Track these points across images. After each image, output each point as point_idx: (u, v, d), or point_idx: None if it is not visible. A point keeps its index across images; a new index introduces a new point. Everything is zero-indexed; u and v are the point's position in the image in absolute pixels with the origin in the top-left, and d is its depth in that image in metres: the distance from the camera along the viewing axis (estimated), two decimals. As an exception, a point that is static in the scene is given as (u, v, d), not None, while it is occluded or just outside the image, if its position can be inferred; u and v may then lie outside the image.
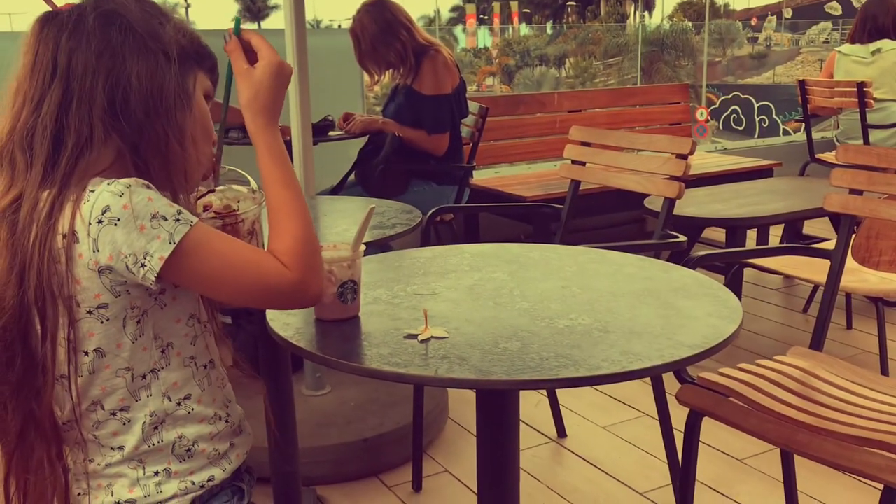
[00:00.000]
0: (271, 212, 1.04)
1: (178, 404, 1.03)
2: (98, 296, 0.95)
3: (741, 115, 13.80)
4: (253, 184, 1.11)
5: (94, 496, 1.03)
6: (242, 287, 0.98)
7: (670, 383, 1.95)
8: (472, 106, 3.65)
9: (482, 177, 4.43)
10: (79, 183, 0.96)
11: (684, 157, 2.24)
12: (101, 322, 0.96)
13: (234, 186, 1.14)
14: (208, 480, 1.06)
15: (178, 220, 0.95)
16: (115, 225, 0.92)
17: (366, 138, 3.54)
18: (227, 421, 1.08)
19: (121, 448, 1.02)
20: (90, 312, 0.96)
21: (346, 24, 3.97)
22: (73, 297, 0.95)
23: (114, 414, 1.00)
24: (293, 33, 2.66)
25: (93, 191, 0.94)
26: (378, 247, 1.82)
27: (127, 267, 0.93)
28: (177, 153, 1.02)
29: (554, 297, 1.25)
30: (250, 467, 1.16)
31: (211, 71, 1.09)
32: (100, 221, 0.92)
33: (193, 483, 1.05)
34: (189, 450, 1.04)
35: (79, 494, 1.04)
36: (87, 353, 0.97)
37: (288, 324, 1.18)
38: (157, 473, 1.03)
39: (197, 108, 1.06)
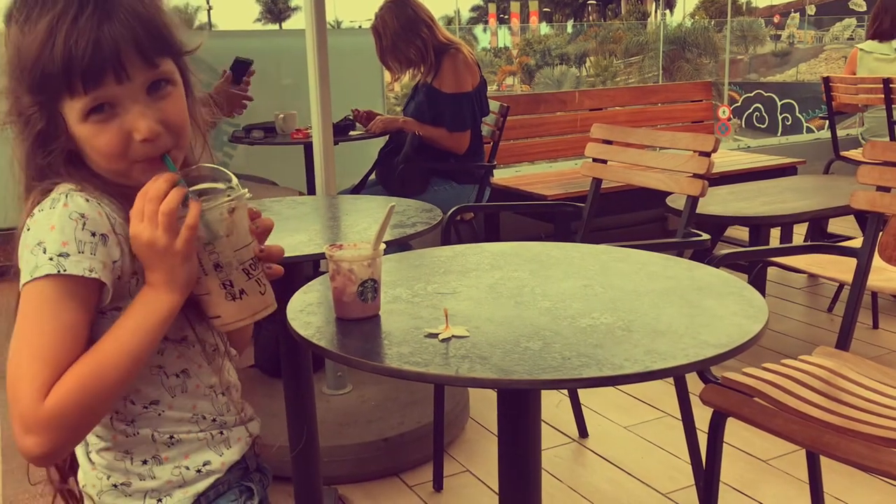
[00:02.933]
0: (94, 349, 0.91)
1: (145, 408, 1.00)
2: None
3: (764, 113, 13.69)
4: (234, 180, 0.99)
5: (91, 484, 1.03)
6: (10, 372, 0.88)
7: (693, 383, 1.93)
8: (493, 105, 3.64)
9: (503, 176, 4.42)
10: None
11: (707, 154, 2.22)
12: None
13: (214, 185, 1.00)
14: (204, 464, 1.03)
15: (51, 259, 0.89)
16: (27, 231, 0.93)
17: (386, 137, 3.55)
18: (213, 421, 1.05)
19: (99, 437, 1.01)
20: None
21: (367, 25, 3.98)
22: None
23: None
24: (314, 34, 2.66)
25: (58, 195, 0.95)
26: (398, 245, 1.82)
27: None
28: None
29: (576, 295, 1.23)
30: (264, 467, 1.14)
31: (85, 78, 0.92)
32: (28, 228, 0.93)
33: (188, 468, 1.02)
34: (172, 437, 1.01)
35: (85, 485, 1.04)
36: None
37: (309, 323, 1.18)
38: (145, 462, 1.01)
39: (76, 137, 0.96)
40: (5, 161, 1.00)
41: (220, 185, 0.99)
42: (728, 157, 4.68)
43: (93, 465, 1.03)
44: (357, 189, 3.54)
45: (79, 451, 1.05)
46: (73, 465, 1.12)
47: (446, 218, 1.91)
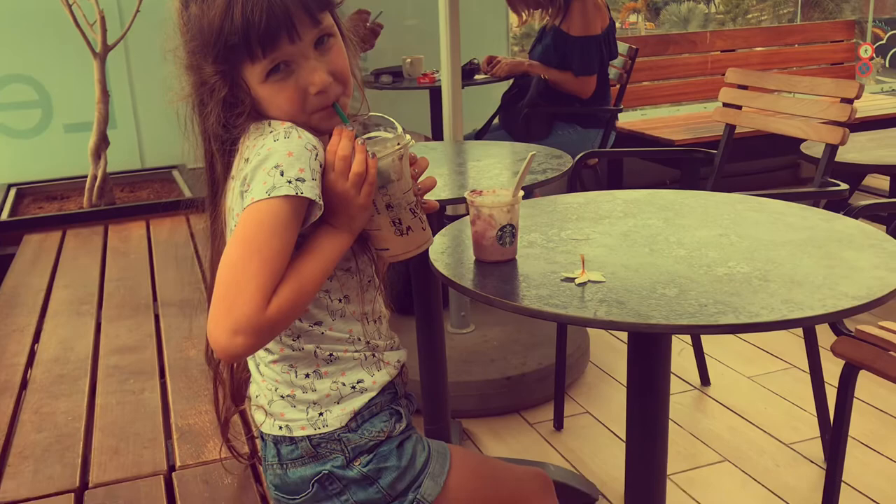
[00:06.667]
0: (299, 270, 1.00)
1: (310, 326, 1.10)
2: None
3: (913, 52, 12.73)
4: (399, 128, 1.09)
5: (262, 395, 1.15)
6: (231, 276, 0.96)
7: (823, 336, 1.90)
8: (622, 47, 3.58)
9: (627, 119, 4.35)
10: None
11: (850, 101, 2.13)
12: None
13: (381, 134, 1.09)
14: (358, 382, 1.13)
15: (289, 182, 0.97)
16: (256, 156, 1.01)
17: (510, 81, 3.55)
18: (367, 343, 1.14)
19: (267, 350, 1.12)
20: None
21: (494, -34, 3.96)
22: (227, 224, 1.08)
23: None
24: (444, -23, 2.68)
25: (271, 131, 1.04)
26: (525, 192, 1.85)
27: (241, 194, 1.02)
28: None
29: (711, 244, 1.25)
30: (410, 394, 1.23)
31: (263, 43, 1.01)
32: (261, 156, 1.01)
33: (344, 384, 1.12)
34: (331, 354, 1.12)
35: (257, 396, 1.16)
36: None
37: (449, 264, 1.25)
38: (307, 376, 1.12)
39: (258, 98, 1.06)
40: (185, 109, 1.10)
41: (388, 134, 1.07)
42: (870, 101, 4.43)
43: (262, 377, 1.14)
44: (480, 134, 3.57)
45: (250, 364, 1.17)
46: (241, 393, 1.25)
47: (573, 163, 1.92)
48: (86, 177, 3.21)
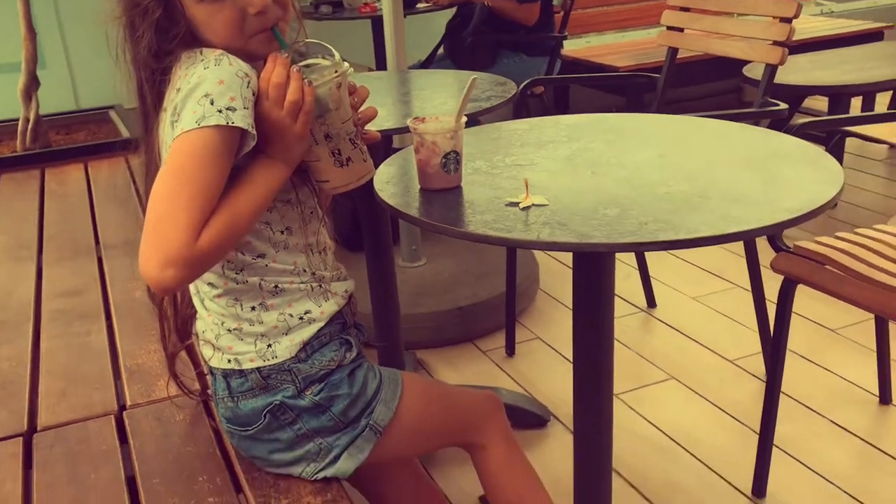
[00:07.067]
0: (227, 204, 0.98)
1: (253, 259, 1.10)
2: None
3: (851, -26, 12.81)
4: (336, 55, 1.06)
5: (209, 330, 1.14)
6: (159, 209, 0.94)
7: (764, 254, 1.95)
8: (564, -28, 3.54)
9: (572, 47, 4.33)
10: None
11: (788, 20, 2.15)
12: None
13: (319, 61, 1.05)
14: (305, 313, 1.12)
15: (220, 111, 0.94)
16: (187, 84, 0.98)
17: (454, 10, 3.50)
18: (313, 274, 1.14)
19: (211, 285, 1.11)
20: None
21: None
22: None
23: None
24: None
25: (202, 59, 1.01)
26: (469, 120, 1.84)
27: (172, 124, 0.99)
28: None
29: (652, 165, 1.26)
30: (359, 323, 1.24)
31: None
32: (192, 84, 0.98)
33: (291, 315, 1.12)
34: (276, 286, 1.11)
35: (204, 331, 1.16)
36: None
37: (394, 194, 1.24)
38: (253, 308, 1.11)
39: (192, 17, 1.03)
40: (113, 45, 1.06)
41: (325, 62, 1.04)
42: (810, 24, 4.48)
43: (208, 311, 1.13)
44: (426, 64, 3.53)
45: (195, 300, 1.16)
46: (187, 329, 1.24)
47: (519, 91, 1.91)
48: (17, 120, 3.09)
